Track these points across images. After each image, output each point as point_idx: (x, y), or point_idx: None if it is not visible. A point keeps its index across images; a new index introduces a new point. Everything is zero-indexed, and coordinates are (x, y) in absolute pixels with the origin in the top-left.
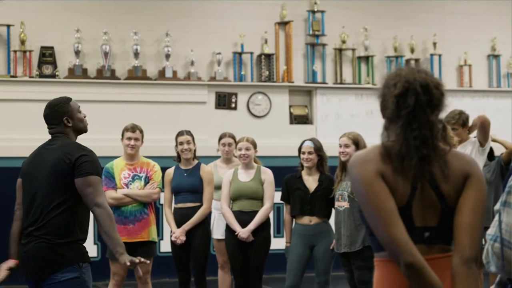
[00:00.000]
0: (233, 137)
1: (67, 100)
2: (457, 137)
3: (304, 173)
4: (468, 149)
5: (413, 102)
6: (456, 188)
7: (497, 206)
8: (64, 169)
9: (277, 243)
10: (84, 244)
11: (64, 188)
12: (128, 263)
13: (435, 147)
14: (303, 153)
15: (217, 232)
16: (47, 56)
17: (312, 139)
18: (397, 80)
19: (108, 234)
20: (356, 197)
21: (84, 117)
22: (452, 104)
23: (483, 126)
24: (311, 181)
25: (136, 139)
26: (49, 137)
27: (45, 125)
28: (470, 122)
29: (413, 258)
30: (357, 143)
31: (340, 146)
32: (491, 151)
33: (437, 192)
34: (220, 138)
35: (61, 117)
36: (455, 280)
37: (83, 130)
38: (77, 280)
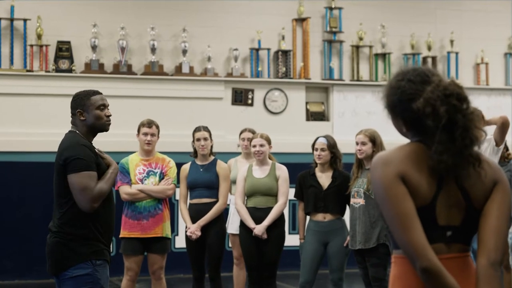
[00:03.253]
0: (253, 132)
1: (90, 93)
2: None
3: (317, 170)
4: (483, 147)
5: (462, 121)
6: (483, 192)
7: None
8: (59, 168)
9: (292, 240)
10: (103, 242)
11: (63, 187)
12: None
13: (479, 145)
14: (316, 149)
15: (233, 226)
16: (64, 50)
17: (326, 136)
18: (432, 106)
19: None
20: (376, 199)
21: (107, 116)
22: None
23: (504, 127)
24: (324, 178)
25: (152, 135)
26: (64, 131)
27: (61, 120)
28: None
29: (429, 263)
30: (374, 140)
31: (357, 143)
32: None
33: (463, 192)
34: (241, 133)
35: (76, 108)
36: (480, 281)
37: (98, 128)
38: (88, 277)
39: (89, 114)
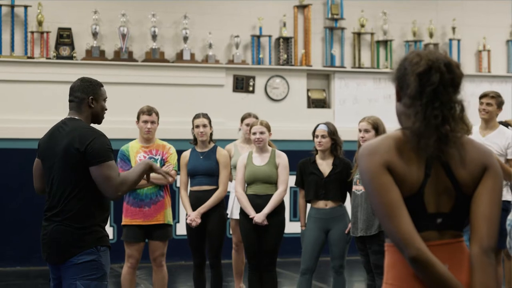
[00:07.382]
0: (257, 118)
1: (100, 84)
2: (487, 115)
3: (318, 157)
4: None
5: (438, 79)
6: (473, 177)
7: None
8: (74, 157)
9: (293, 227)
10: (104, 227)
11: (76, 175)
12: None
13: (454, 128)
14: (317, 136)
15: (236, 212)
16: (65, 37)
17: (326, 123)
18: (419, 59)
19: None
20: (364, 188)
21: (105, 109)
22: (470, 89)
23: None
24: (325, 166)
25: (152, 122)
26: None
27: (62, 107)
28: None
29: (417, 252)
30: (377, 127)
31: (360, 131)
32: None
33: (452, 178)
34: (244, 118)
35: (88, 94)
36: (474, 269)
37: (100, 119)
38: (93, 264)
39: (97, 104)
